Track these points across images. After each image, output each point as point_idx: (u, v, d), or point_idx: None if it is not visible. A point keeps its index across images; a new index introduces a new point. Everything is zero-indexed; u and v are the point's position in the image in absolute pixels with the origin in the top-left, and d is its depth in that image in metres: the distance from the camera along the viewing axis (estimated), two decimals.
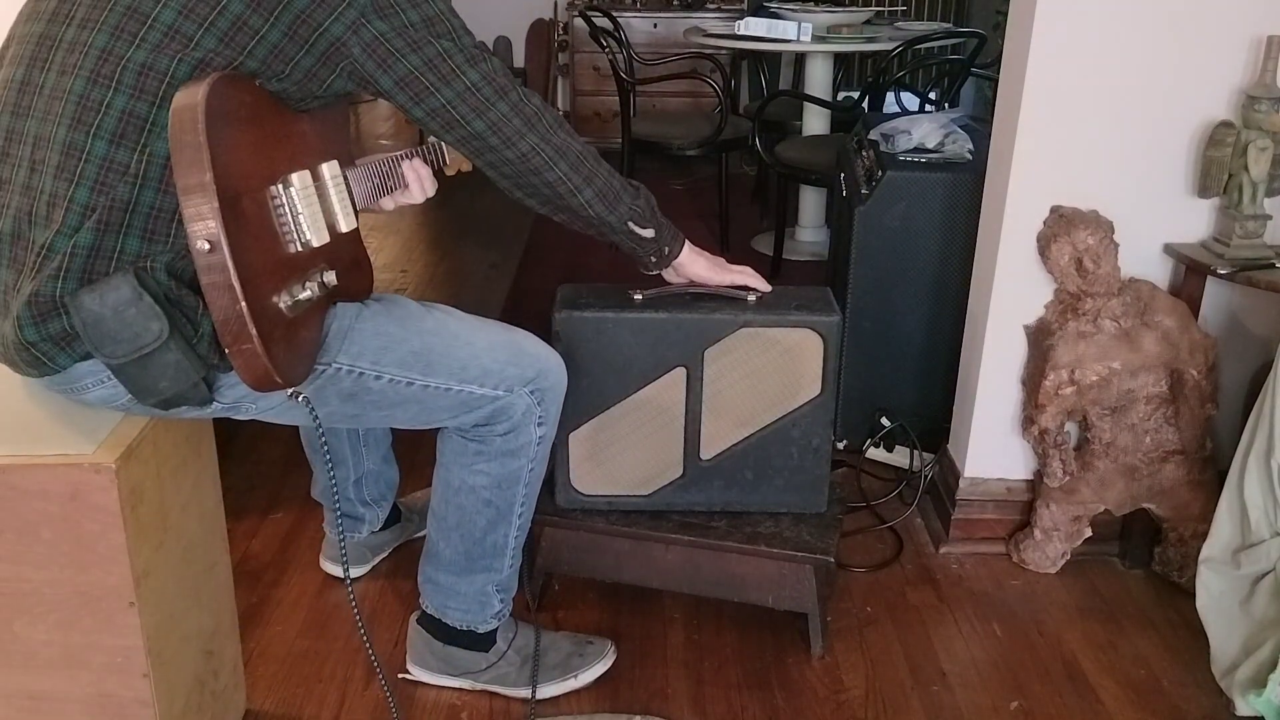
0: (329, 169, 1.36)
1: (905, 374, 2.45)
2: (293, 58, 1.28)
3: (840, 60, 4.19)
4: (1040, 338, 2.01)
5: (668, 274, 1.73)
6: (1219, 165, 1.88)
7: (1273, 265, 1.86)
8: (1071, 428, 2.07)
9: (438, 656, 1.74)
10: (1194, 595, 1.78)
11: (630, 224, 1.58)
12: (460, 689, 1.75)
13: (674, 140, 3.94)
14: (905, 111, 3.45)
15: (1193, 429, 1.97)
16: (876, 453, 2.47)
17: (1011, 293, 2.04)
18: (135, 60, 1.23)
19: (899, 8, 5.42)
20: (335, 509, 1.91)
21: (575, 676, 1.75)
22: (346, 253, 1.42)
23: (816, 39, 3.73)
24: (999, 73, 2.05)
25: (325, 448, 1.43)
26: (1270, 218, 1.89)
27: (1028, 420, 2.05)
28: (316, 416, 1.39)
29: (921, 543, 2.20)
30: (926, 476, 2.30)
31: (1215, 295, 2.02)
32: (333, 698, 1.74)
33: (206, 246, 1.14)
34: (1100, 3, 1.84)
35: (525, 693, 1.73)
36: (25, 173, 1.27)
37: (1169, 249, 1.99)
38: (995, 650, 1.88)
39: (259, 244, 1.22)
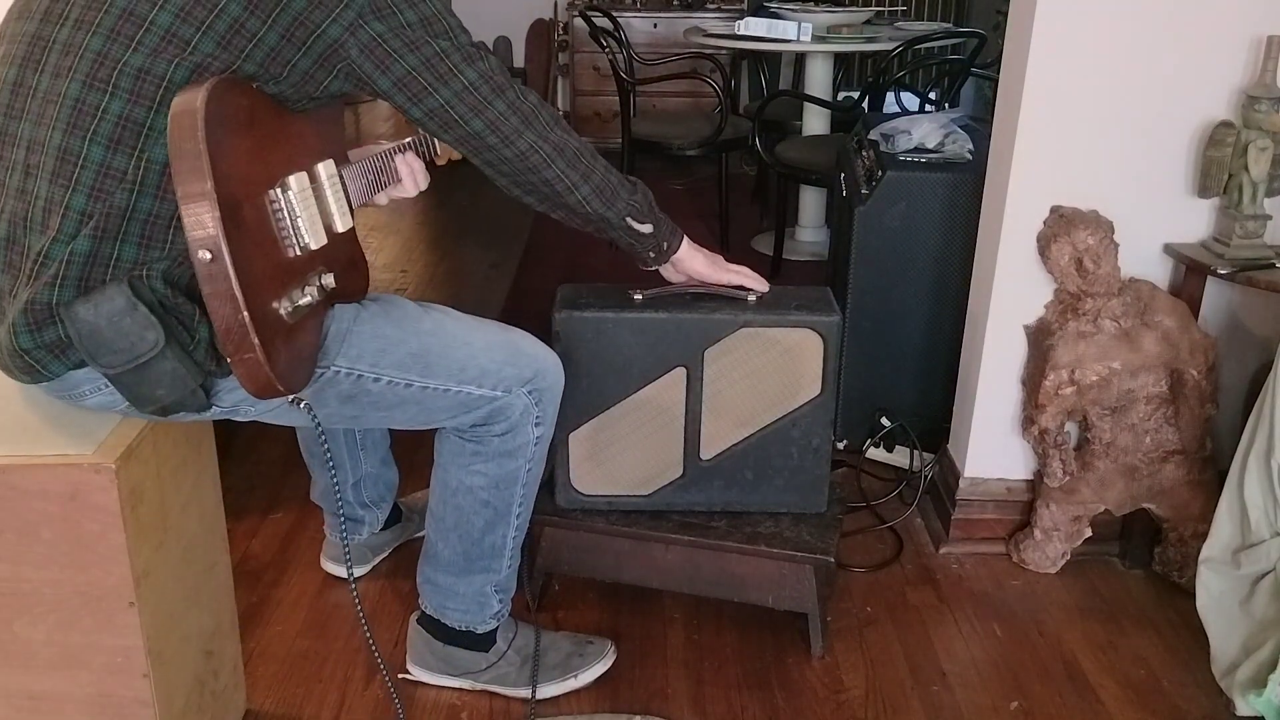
0: (325, 169, 1.36)
1: (905, 374, 2.45)
2: (290, 60, 1.28)
3: (840, 60, 4.19)
4: (1040, 338, 2.01)
5: (666, 271, 1.72)
6: (1219, 165, 1.88)
7: (1273, 265, 1.86)
8: (1071, 428, 2.07)
9: (438, 656, 1.74)
10: (1194, 595, 1.78)
11: (628, 219, 1.58)
12: (460, 689, 1.75)
13: (674, 140, 3.94)
14: (905, 111, 3.46)
15: (1193, 429, 1.97)
16: (876, 453, 2.47)
17: (1011, 293, 2.04)
18: (132, 64, 1.22)
19: (899, 8, 5.42)
20: (338, 513, 1.90)
21: (575, 676, 1.75)
22: (343, 253, 1.41)
23: (816, 39, 3.73)
24: (999, 73, 2.05)
25: (326, 450, 1.44)
26: (1270, 218, 1.89)
27: (1028, 420, 2.05)
28: (316, 419, 1.39)
29: (921, 543, 2.20)
30: (926, 476, 2.30)
31: (1215, 295, 2.02)
32: (333, 698, 1.74)
33: (208, 256, 1.13)
34: (1100, 3, 1.84)
35: (525, 693, 1.73)
36: (19, 177, 1.26)
37: (1169, 249, 1.99)
38: (995, 650, 1.88)
39: (259, 250, 1.22)
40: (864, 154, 2.48)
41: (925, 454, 2.36)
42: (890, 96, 4.13)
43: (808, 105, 3.95)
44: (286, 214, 1.27)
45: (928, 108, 3.94)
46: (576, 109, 5.30)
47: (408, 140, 1.62)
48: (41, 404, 1.34)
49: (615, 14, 4.33)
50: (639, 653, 1.85)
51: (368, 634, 1.50)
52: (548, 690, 1.74)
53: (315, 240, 1.31)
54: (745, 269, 1.78)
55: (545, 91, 5.51)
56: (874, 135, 2.52)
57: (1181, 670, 1.83)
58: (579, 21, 4.81)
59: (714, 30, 4.04)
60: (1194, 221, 1.98)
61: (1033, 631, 1.93)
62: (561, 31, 5.43)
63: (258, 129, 1.25)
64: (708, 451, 1.85)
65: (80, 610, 1.28)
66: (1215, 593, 1.74)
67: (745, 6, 4.98)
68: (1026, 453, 2.12)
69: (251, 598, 1.96)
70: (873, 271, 2.38)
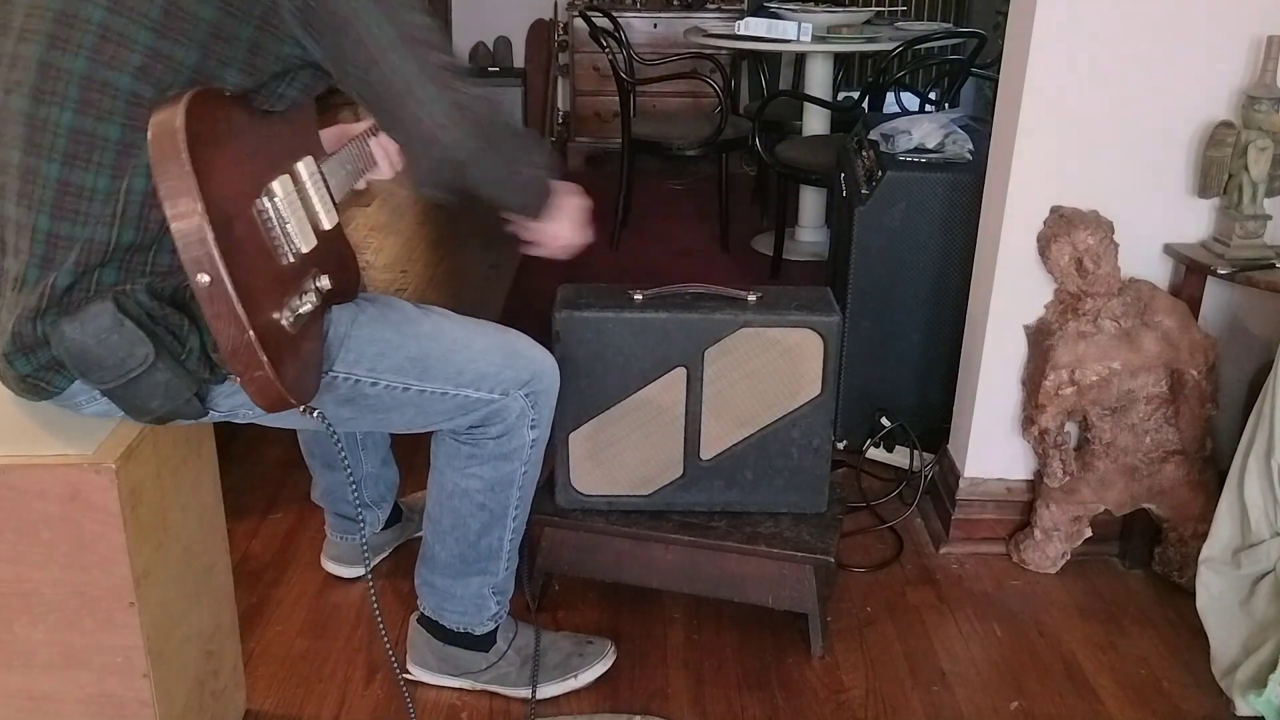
0: (305, 167, 1.32)
1: (905, 374, 2.45)
2: (234, 34, 1.22)
3: (840, 60, 4.19)
4: (1040, 338, 2.01)
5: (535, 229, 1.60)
6: (1219, 165, 1.88)
7: (1273, 265, 1.86)
8: (1071, 428, 2.07)
9: (438, 656, 1.74)
10: (1194, 595, 1.78)
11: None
12: (460, 689, 1.75)
13: (674, 140, 3.94)
14: (905, 111, 3.46)
15: (1193, 429, 1.97)
16: (876, 453, 2.47)
17: (1011, 293, 2.04)
18: (75, 71, 1.18)
19: (899, 8, 5.41)
20: (355, 510, 1.90)
21: (575, 676, 1.75)
22: (333, 251, 1.39)
23: (816, 39, 3.73)
24: (999, 73, 2.05)
25: (341, 449, 1.43)
26: (1270, 218, 1.89)
27: (1028, 420, 2.05)
28: (329, 423, 1.38)
29: (921, 543, 2.20)
30: (926, 476, 2.30)
31: (1215, 295, 2.01)
32: (333, 698, 1.74)
33: (207, 279, 1.11)
34: (1100, 3, 1.84)
35: (525, 693, 1.73)
36: None
37: (1169, 249, 1.99)
38: (995, 650, 1.88)
39: (255, 264, 1.20)
40: (864, 154, 2.48)
41: (925, 454, 2.36)
42: (890, 96, 4.13)
43: (808, 105, 3.95)
44: (276, 222, 1.25)
45: (928, 108, 3.94)
46: (576, 109, 5.29)
47: (374, 124, 1.55)
48: (41, 405, 1.33)
49: (615, 14, 4.33)
50: (639, 653, 1.85)
51: (381, 627, 1.50)
52: (548, 690, 1.74)
53: (306, 243, 1.29)
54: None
55: (545, 91, 5.51)
56: (874, 135, 2.52)
57: (1181, 670, 1.83)
58: (579, 21, 4.80)
59: (714, 30, 4.04)
60: (1194, 221, 1.98)
61: (1033, 631, 1.93)
62: (561, 31, 5.43)
63: (237, 138, 1.22)
64: (708, 451, 1.85)
65: (80, 610, 1.28)
66: (1215, 593, 1.75)
67: (745, 6, 4.98)
68: (1026, 453, 2.12)
69: (251, 598, 1.96)
70: (873, 271, 2.38)
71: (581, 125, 5.29)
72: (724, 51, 4.42)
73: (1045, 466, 2.05)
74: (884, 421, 2.43)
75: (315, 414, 1.33)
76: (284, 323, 1.23)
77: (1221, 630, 1.73)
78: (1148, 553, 2.09)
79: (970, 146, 2.38)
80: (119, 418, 1.29)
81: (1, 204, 1.23)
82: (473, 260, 3.99)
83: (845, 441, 2.51)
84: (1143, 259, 1.99)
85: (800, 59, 4.35)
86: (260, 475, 2.38)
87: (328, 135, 1.55)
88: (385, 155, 1.56)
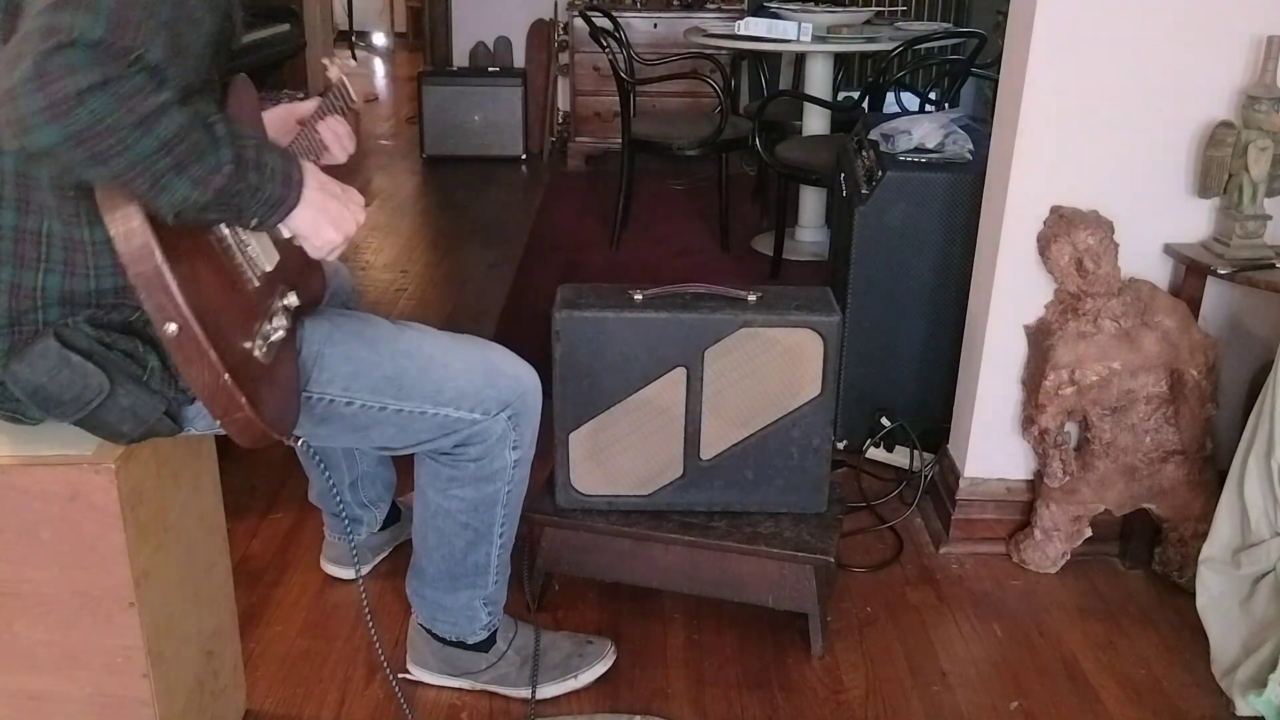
0: None
1: (905, 374, 2.45)
2: None
3: (840, 60, 4.19)
4: (1040, 338, 2.01)
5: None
6: (1219, 165, 1.88)
7: (1273, 265, 1.86)
8: (1071, 428, 2.07)
9: (438, 656, 1.74)
10: (1194, 595, 1.78)
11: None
12: (460, 689, 1.75)
13: (674, 140, 3.94)
14: (905, 111, 3.45)
15: (1193, 429, 1.97)
16: (876, 453, 2.47)
17: (1011, 293, 2.04)
18: None
19: (899, 8, 5.41)
20: (339, 513, 1.89)
21: (575, 676, 1.75)
22: (295, 260, 1.34)
23: (816, 39, 3.73)
24: (999, 73, 2.05)
25: (319, 461, 1.42)
26: (1270, 218, 1.89)
27: (1028, 420, 2.05)
28: (308, 446, 1.38)
29: (921, 543, 2.20)
30: (926, 476, 2.30)
31: (1215, 295, 2.01)
32: (333, 698, 1.74)
33: (175, 329, 1.08)
34: (1100, 3, 1.84)
35: (525, 693, 1.72)
36: None
37: (1169, 249, 1.99)
38: (995, 650, 1.88)
39: (221, 298, 1.17)
40: (864, 154, 2.48)
41: (925, 454, 2.36)
42: (890, 96, 4.13)
43: (808, 105, 3.95)
44: (236, 247, 1.22)
45: (928, 108, 3.94)
46: (576, 109, 5.29)
47: (322, 101, 1.49)
48: None
49: (615, 14, 4.33)
50: (639, 653, 1.85)
51: (373, 632, 1.50)
52: (548, 690, 1.74)
53: (269, 261, 1.26)
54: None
55: (545, 92, 5.51)
56: (874, 135, 2.52)
57: (1181, 670, 1.83)
58: (579, 21, 4.80)
59: (714, 30, 4.04)
60: (1194, 221, 1.98)
61: (1033, 631, 1.93)
62: (561, 31, 5.43)
63: None
64: (708, 451, 1.85)
65: (80, 610, 1.28)
66: (1215, 593, 1.75)
67: (745, 6, 4.98)
68: (1026, 453, 2.12)
69: (251, 598, 1.96)
70: (873, 271, 2.38)
71: (581, 125, 5.30)
72: (724, 51, 4.42)
73: (1045, 466, 2.05)
74: (884, 421, 2.43)
75: (299, 442, 1.32)
76: (257, 354, 1.20)
77: (1221, 630, 1.73)
78: (1148, 553, 2.09)
79: (970, 146, 2.38)
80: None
81: None
82: (473, 260, 3.99)
83: (845, 441, 2.51)
84: (1143, 259, 1.99)
85: (800, 59, 4.35)
86: (260, 475, 2.38)
87: (273, 117, 1.49)
88: (336, 138, 1.48)
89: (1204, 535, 1.78)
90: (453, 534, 1.62)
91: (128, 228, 1.07)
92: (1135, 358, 1.93)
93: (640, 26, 5.02)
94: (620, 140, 4.07)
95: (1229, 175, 1.88)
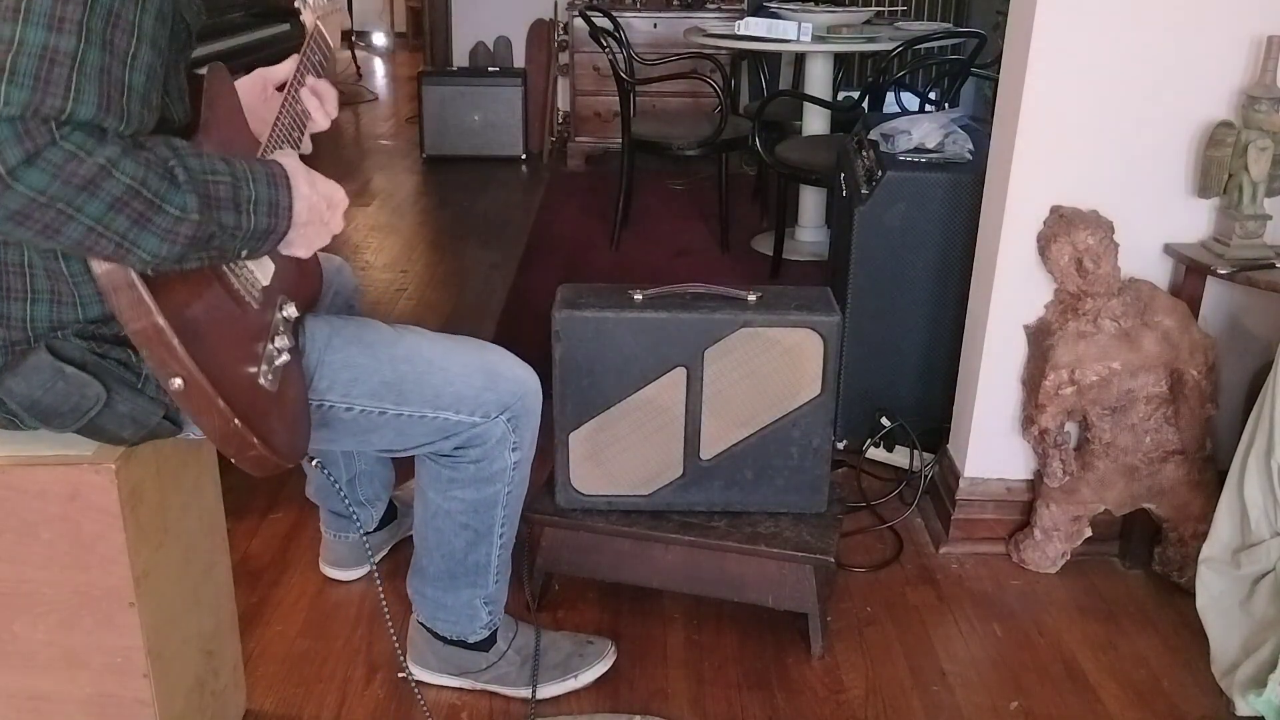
0: None
1: (905, 374, 2.45)
2: None
3: (840, 60, 4.19)
4: (1040, 338, 2.01)
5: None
6: (1219, 165, 1.88)
7: (1273, 265, 1.86)
8: (1071, 428, 2.07)
9: (438, 656, 1.74)
10: (1194, 595, 1.78)
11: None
12: (460, 689, 1.75)
13: (674, 140, 3.94)
14: (905, 111, 3.45)
15: (1193, 429, 1.97)
16: (876, 453, 2.47)
17: (1011, 293, 2.04)
18: None
19: (899, 8, 5.42)
20: (347, 509, 1.89)
21: (575, 676, 1.75)
22: (289, 264, 1.32)
23: (816, 39, 3.73)
24: (999, 73, 2.05)
25: (318, 464, 1.42)
26: (1270, 218, 1.89)
27: (1028, 420, 2.05)
28: (320, 464, 1.40)
29: (921, 543, 2.20)
30: (926, 476, 2.30)
31: (1215, 295, 2.02)
32: (333, 698, 1.74)
33: (180, 383, 1.07)
34: (1100, 3, 1.84)
35: (525, 692, 1.73)
36: None
37: (1169, 249, 1.99)
38: (995, 650, 1.88)
39: (223, 331, 1.15)
40: (864, 154, 2.48)
41: (925, 454, 2.36)
42: (890, 96, 4.12)
43: (808, 105, 3.95)
44: (230, 269, 1.19)
45: (928, 108, 3.94)
46: (576, 109, 5.29)
47: (300, 63, 1.39)
48: None
49: (615, 14, 4.33)
50: (639, 653, 1.85)
51: (391, 630, 1.50)
52: (548, 690, 1.74)
53: (265, 275, 1.25)
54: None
55: (545, 92, 5.51)
56: (874, 135, 2.52)
57: (1181, 670, 1.83)
58: (579, 21, 4.80)
59: (714, 30, 4.04)
60: (1194, 221, 1.98)
61: (1033, 631, 1.93)
62: (561, 31, 5.43)
63: None
64: (708, 451, 1.85)
65: (80, 610, 1.28)
66: (1215, 593, 1.74)
67: (745, 6, 4.97)
68: (1026, 453, 2.12)
69: (251, 598, 1.96)
70: (873, 271, 2.38)
71: (581, 125, 5.30)
72: (724, 51, 4.42)
73: (1045, 466, 2.05)
74: (884, 421, 2.43)
75: (315, 463, 1.32)
76: (264, 382, 1.19)
77: (1221, 630, 1.73)
78: (1148, 553, 2.09)
79: (970, 146, 2.38)
80: None
81: None
82: (473, 260, 3.99)
83: (845, 441, 2.51)
84: (1143, 259, 1.99)
85: (800, 59, 4.35)
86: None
87: (246, 86, 1.42)
88: (319, 105, 1.40)
89: (1204, 535, 1.78)
90: (453, 534, 1.62)
91: (107, 267, 1.04)
92: (1135, 358, 1.93)
93: (640, 26, 5.02)
94: (620, 140, 4.07)
95: (1229, 175, 1.88)
